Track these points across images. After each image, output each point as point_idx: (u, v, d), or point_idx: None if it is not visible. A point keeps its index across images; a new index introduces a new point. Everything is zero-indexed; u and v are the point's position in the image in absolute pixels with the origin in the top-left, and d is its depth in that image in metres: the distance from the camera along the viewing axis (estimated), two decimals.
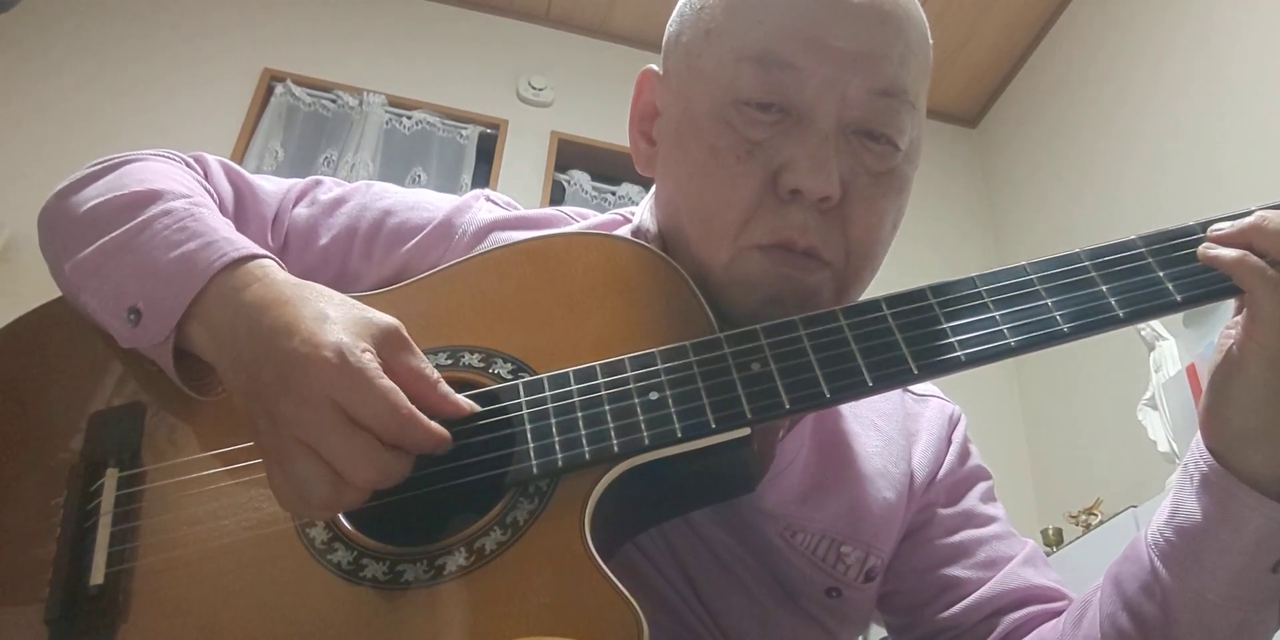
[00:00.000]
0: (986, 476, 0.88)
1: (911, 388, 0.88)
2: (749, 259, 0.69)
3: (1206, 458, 0.64)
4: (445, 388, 0.61)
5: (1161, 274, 0.62)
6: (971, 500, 0.85)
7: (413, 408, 0.57)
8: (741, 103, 0.69)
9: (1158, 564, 0.66)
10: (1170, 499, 0.67)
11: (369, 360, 0.57)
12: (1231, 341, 0.62)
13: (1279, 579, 0.63)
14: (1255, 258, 0.59)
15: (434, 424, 0.58)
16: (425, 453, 0.58)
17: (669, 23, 0.79)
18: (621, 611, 0.54)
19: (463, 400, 0.62)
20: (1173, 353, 2.39)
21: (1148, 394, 2.41)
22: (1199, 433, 0.65)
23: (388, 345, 0.60)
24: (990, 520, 0.84)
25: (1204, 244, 0.61)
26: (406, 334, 0.61)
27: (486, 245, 0.79)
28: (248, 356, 0.60)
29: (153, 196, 0.72)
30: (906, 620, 0.83)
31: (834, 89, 0.68)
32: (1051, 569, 0.84)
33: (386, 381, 0.56)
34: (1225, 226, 0.61)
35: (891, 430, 0.84)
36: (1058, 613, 0.78)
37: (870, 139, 0.70)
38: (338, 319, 0.59)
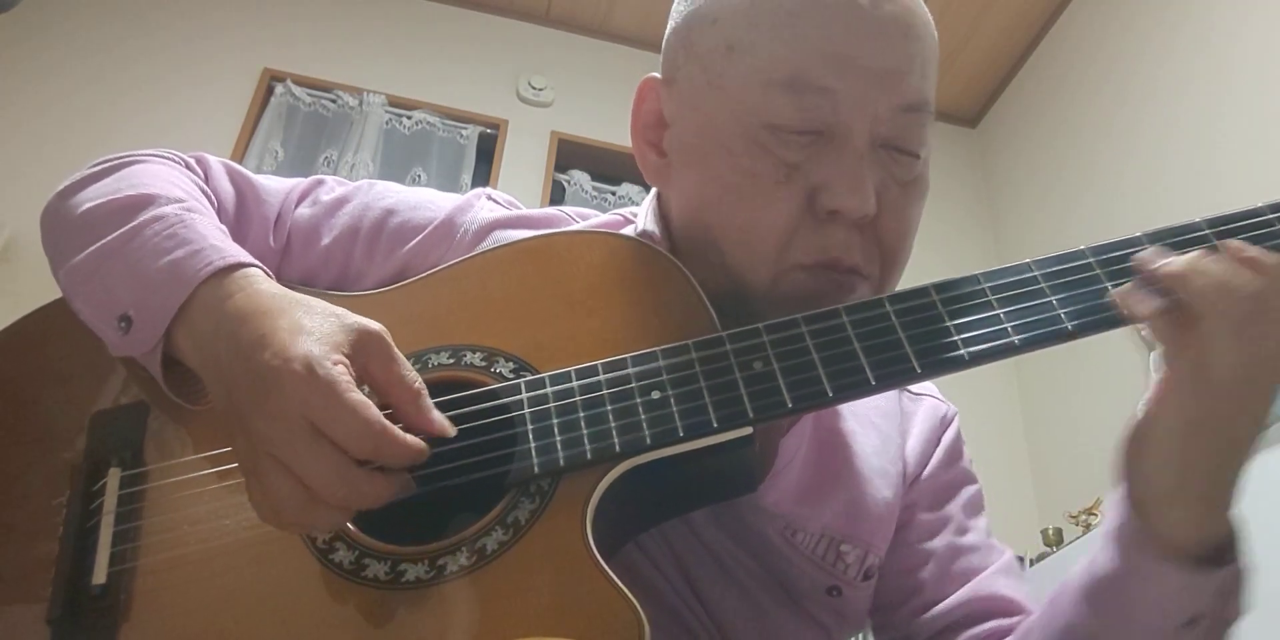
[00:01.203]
0: (973, 482, 0.87)
1: (909, 386, 0.88)
2: (793, 278, 0.69)
3: (1124, 511, 0.63)
4: (426, 402, 0.59)
5: None
6: (953, 507, 0.84)
7: (385, 422, 0.55)
8: (775, 127, 0.68)
9: (1082, 607, 0.67)
10: (1092, 545, 0.67)
11: (340, 373, 0.56)
12: (1149, 401, 0.61)
13: (1194, 634, 0.62)
14: (1180, 311, 0.57)
15: (409, 437, 0.56)
16: (403, 466, 0.57)
17: (670, 28, 0.77)
18: (623, 611, 0.54)
19: (441, 418, 0.59)
20: None
21: (1148, 394, 2.41)
22: (1120, 485, 0.64)
23: (366, 350, 0.58)
24: (969, 529, 0.83)
25: (1122, 289, 0.59)
26: (389, 340, 0.59)
27: (488, 244, 0.79)
28: (226, 369, 0.59)
29: (146, 201, 0.72)
30: (877, 620, 0.83)
31: (865, 108, 0.68)
32: (1025, 583, 0.83)
33: (356, 395, 0.55)
34: (1159, 263, 0.59)
35: (889, 429, 0.84)
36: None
37: (898, 151, 0.70)
38: (313, 329, 0.58)
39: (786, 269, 0.69)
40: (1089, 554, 0.67)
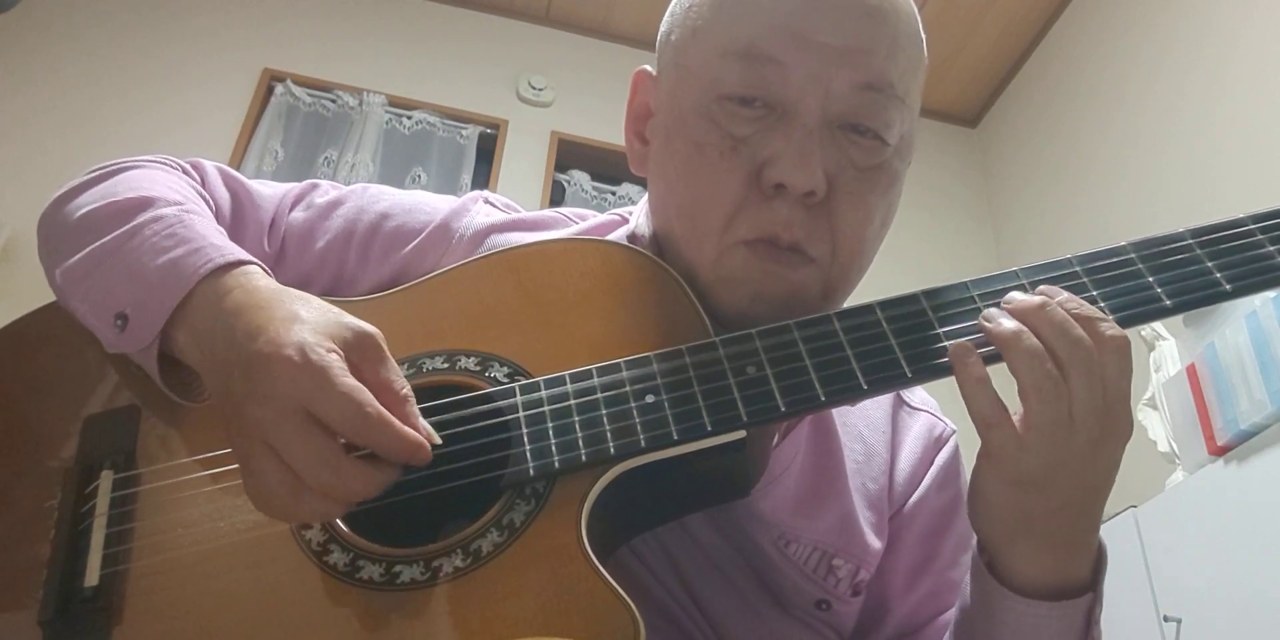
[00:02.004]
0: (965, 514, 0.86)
1: (908, 399, 0.87)
2: (735, 255, 0.69)
3: (975, 550, 0.66)
4: (413, 408, 0.58)
5: (1151, 279, 0.62)
6: (943, 541, 0.81)
7: (382, 409, 0.55)
8: (725, 98, 0.69)
9: (949, 637, 0.72)
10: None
11: (333, 360, 0.56)
12: (978, 454, 0.62)
13: None
14: (996, 408, 0.59)
15: (409, 430, 0.56)
16: (399, 460, 0.56)
17: (662, 23, 0.78)
18: (619, 613, 0.54)
19: (425, 425, 0.58)
20: (1173, 353, 2.39)
21: (1148, 394, 2.41)
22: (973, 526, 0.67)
23: (359, 351, 0.58)
24: (955, 565, 0.81)
25: (957, 343, 0.61)
26: (383, 344, 0.59)
27: (484, 249, 0.79)
28: (222, 360, 0.59)
29: (144, 203, 0.72)
30: None
31: (818, 83, 0.68)
32: None
33: (350, 380, 0.55)
34: (1001, 311, 0.61)
35: (876, 442, 0.82)
36: None
37: (856, 133, 0.69)
38: (308, 320, 0.59)
39: (729, 245, 0.69)
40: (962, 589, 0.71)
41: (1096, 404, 0.57)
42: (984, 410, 0.59)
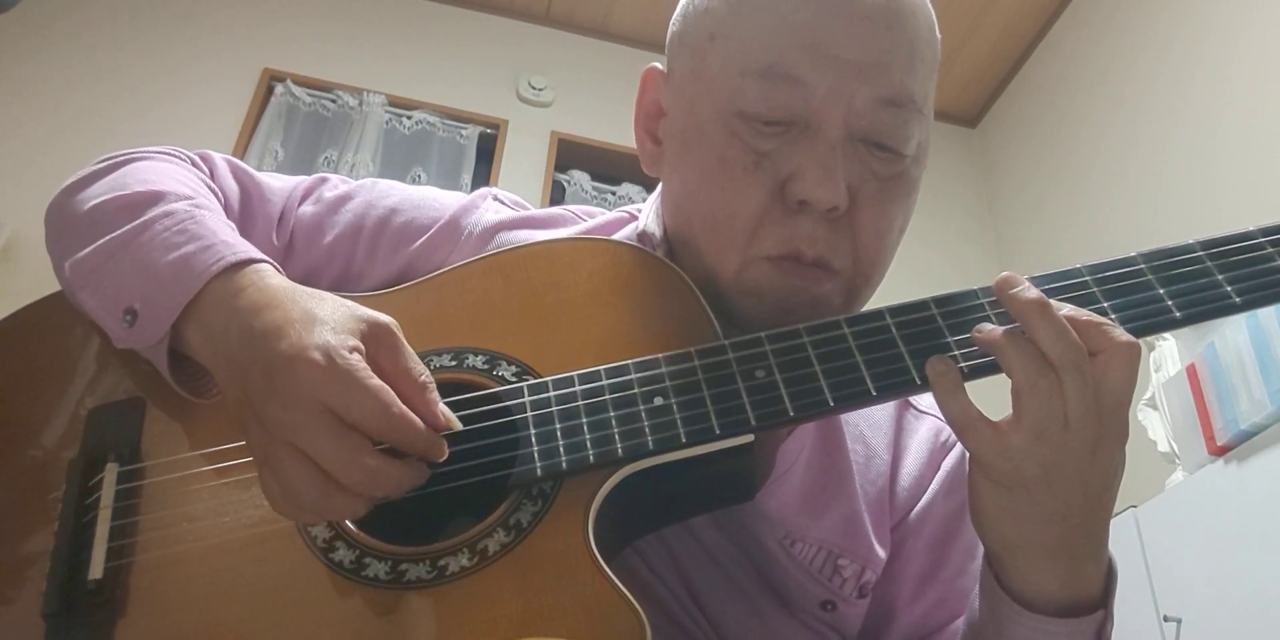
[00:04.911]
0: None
1: (915, 402, 0.85)
2: (758, 270, 0.69)
3: (985, 563, 0.66)
4: (434, 395, 0.59)
5: (1161, 291, 0.62)
6: (953, 548, 0.80)
7: (404, 407, 0.56)
8: (747, 116, 0.68)
9: None
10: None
11: (357, 360, 0.56)
12: (969, 461, 0.62)
13: None
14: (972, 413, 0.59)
15: (426, 427, 0.57)
16: (419, 455, 0.57)
17: (672, 21, 0.78)
18: (624, 614, 0.54)
19: (447, 412, 0.60)
20: (1173, 353, 2.39)
21: (1148, 394, 2.41)
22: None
23: (377, 342, 0.59)
24: (964, 573, 0.80)
25: (935, 360, 0.61)
26: (399, 332, 0.60)
27: (493, 247, 0.79)
28: (239, 360, 0.59)
29: (155, 197, 0.72)
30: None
31: (840, 99, 0.67)
32: None
33: (376, 381, 0.56)
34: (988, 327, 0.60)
35: (877, 443, 0.81)
36: None
37: (878, 147, 0.69)
38: (326, 319, 0.59)
39: (752, 260, 0.69)
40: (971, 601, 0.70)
41: (1089, 406, 0.57)
42: (954, 416, 0.60)
